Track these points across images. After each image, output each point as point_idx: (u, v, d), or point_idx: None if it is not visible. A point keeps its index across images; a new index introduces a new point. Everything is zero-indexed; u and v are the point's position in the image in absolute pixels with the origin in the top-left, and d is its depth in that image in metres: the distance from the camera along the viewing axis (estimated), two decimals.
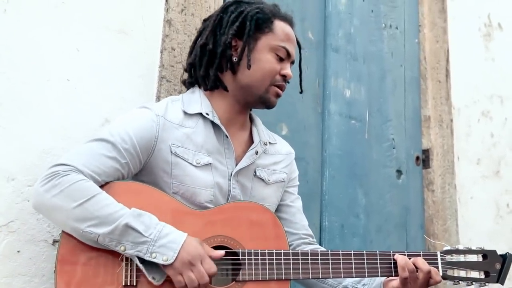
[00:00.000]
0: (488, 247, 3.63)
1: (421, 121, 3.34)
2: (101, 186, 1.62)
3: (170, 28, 2.21)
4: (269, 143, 1.97)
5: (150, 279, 1.56)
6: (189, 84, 1.98)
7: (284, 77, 1.87)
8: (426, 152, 3.32)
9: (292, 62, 1.92)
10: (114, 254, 1.58)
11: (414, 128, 3.29)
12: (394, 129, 3.14)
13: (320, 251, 1.76)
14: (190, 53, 1.97)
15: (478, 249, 1.83)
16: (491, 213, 3.67)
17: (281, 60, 1.86)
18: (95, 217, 1.55)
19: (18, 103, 1.82)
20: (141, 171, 1.75)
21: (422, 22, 3.45)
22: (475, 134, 3.66)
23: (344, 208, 2.80)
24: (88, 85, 1.98)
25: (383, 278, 1.82)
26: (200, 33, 1.96)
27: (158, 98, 2.13)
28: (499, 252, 1.85)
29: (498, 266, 1.81)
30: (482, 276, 1.80)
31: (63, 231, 1.60)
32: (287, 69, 1.87)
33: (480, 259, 1.82)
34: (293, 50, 1.90)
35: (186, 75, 2.02)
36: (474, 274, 1.80)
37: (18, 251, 1.76)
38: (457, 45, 3.61)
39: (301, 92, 2.10)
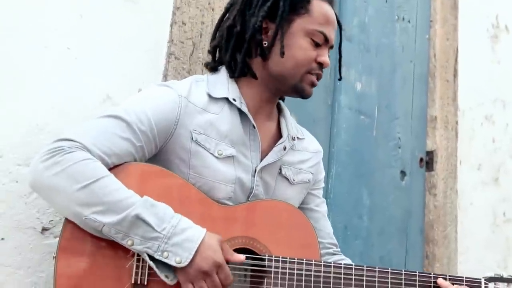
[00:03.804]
0: (483, 256, 3.52)
1: (427, 121, 3.19)
2: (110, 169, 1.42)
3: (181, 0, 2.00)
4: (297, 138, 1.76)
5: (162, 277, 1.36)
6: (211, 69, 1.76)
7: (321, 65, 1.66)
8: (430, 154, 3.16)
9: (331, 47, 1.70)
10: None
11: (420, 128, 3.13)
12: (400, 127, 2.98)
13: (355, 265, 1.57)
14: (215, 34, 1.76)
15: None
16: (488, 221, 3.55)
17: (317, 45, 1.64)
18: (101, 202, 1.35)
19: (10, 71, 1.61)
20: (155, 156, 1.54)
21: (434, 17, 3.29)
22: (478, 138, 3.52)
23: (349, 208, 2.64)
24: (90, 56, 1.77)
25: None
26: (226, 11, 1.74)
27: (165, 77, 1.94)
28: None
29: None
30: None
31: None
32: (324, 56, 1.65)
33: None
34: (332, 34, 1.68)
35: (195, 53, 1.83)
36: None
37: (2, 239, 1.55)
38: (466, 44, 3.47)
39: (340, 79, 1.90)
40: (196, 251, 1.36)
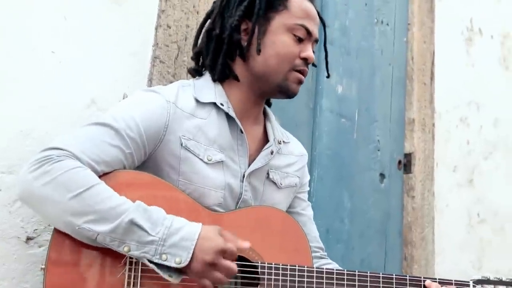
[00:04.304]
0: (458, 257, 3.54)
1: (405, 123, 3.20)
2: (99, 177, 1.38)
3: (166, 3, 1.97)
4: (283, 142, 1.75)
5: (166, 277, 1.32)
6: (195, 71, 1.74)
7: (306, 60, 1.63)
8: (408, 156, 3.18)
9: (316, 42, 1.68)
10: (115, 254, 1.35)
11: (398, 130, 3.15)
12: (379, 130, 2.99)
13: (346, 270, 1.56)
14: (196, 40, 1.75)
15: (508, 280, 1.69)
16: (463, 222, 3.59)
17: (300, 41, 1.62)
18: (94, 211, 1.31)
19: None
20: (144, 163, 1.51)
21: (411, 20, 3.30)
22: (453, 141, 3.55)
23: (331, 212, 2.63)
24: (75, 59, 1.73)
25: None
26: (207, 17, 1.73)
27: (150, 81, 1.90)
28: None
29: None
30: None
31: None
32: (308, 51, 1.62)
33: None
34: (315, 28, 1.65)
35: (180, 57, 1.80)
36: None
37: None
38: (442, 48, 3.50)
39: (328, 77, 1.89)
40: (195, 247, 1.33)
